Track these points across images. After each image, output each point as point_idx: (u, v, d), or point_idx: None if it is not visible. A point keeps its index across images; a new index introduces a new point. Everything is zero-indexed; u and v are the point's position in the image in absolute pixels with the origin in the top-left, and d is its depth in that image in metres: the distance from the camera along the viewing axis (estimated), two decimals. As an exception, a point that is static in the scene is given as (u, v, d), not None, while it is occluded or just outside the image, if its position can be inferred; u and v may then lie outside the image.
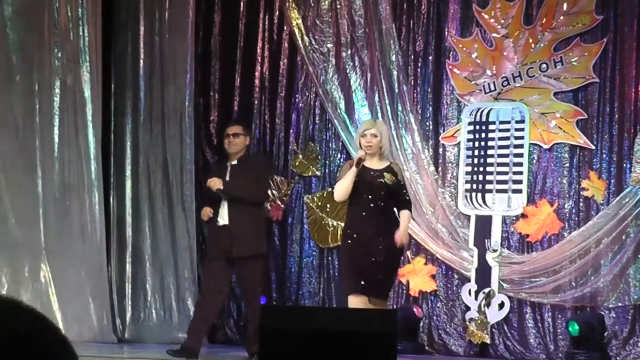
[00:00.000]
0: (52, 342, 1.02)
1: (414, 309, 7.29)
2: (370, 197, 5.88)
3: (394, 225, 5.86)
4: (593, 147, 7.08)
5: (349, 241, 5.92)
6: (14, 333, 0.98)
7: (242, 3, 8.32)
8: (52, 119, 7.45)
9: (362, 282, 5.78)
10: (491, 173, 7.35)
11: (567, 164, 7.16)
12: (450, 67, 7.54)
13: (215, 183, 6.55)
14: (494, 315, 7.18)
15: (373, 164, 5.97)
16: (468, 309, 7.27)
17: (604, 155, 7.07)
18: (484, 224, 7.31)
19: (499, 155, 7.34)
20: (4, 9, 7.23)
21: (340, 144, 7.84)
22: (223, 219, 6.60)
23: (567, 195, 7.14)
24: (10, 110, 7.23)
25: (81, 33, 7.65)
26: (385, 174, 5.92)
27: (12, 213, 7.15)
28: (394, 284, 6.07)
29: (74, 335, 7.32)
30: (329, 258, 7.83)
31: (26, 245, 7.21)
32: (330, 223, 7.81)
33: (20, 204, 7.21)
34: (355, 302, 5.82)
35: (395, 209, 5.95)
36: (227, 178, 6.62)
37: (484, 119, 7.40)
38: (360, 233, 5.86)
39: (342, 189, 5.95)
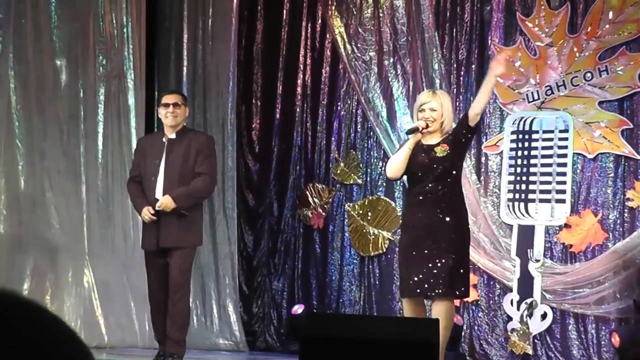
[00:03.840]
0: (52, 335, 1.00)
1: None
2: (423, 179, 5.26)
3: (456, 213, 5.28)
4: (638, 157, 6.99)
5: (401, 234, 5.47)
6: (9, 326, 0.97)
7: (284, 11, 8.34)
8: (96, 126, 7.52)
9: (411, 282, 5.20)
10: (534, 182, 7.29)
11: (612, 174, 7.08)
12: (493, 75, 7.49)
13: (164, 205, 5.87)
14: (536, 325, 7.11)
15: (431, 140, 5.38)
16: (510, 319, 7.21)
17: (650, 166, 6.99)
18: (526, 234, 7.25)
19: (542, 165, 7.28)
20: (50, 16, 7.32)
21: (382, 152, 7.82)
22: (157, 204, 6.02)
23: (611, 206, 7.06)
24: (55, 116, 7.32)
25: (125, 41, 7.73)
26: (436, 148, 5.29)
27: (57, 218, 7.23)
28: (461, 278, 5.30)
29: (117, 341, 7.39)
30: (370, 266, 7.81)
31: (70, 251, 7.28)
32: (372, 231, 7.80)
33: (64, 209, 7.29)
34: (406, 306, 5.36)
35: (459, 191, 5.35)
36: (164, 156, 6.06)
37: (527, 128, 7.35)
38: (410, 224, 5.31)
39: (394, 162, 5.37)
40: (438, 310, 5.26)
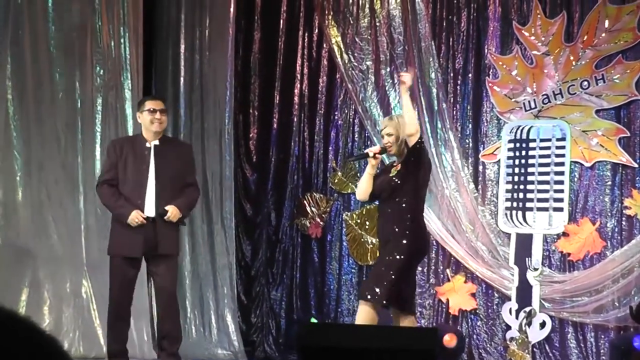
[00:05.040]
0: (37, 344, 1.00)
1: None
2: (382, 197, 5.71)
3: (413, 226, 5.58)
4: (636, 165, 7.00)
5: None
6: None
7: (281, 21, 8.36)
8: (93, 136, 7.52)
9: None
10: (532, 191, 7.29)
11: (609, 182, 7.09)
12: (490, 84, 7.51)
13: (174, 216, 5.92)
14: (535, 334, 7.11)
15: (395, 161, 5.85)
16: (509, 328, 7.21)
17: (647, 174, 6.99)
18: (524, 243, 7.25)
19: (540, 173, 7.29)
20: (47, 27, 7.33)
21: (380, 161, 7.82)
22: (149, 210, 5.95)
23: (609, 214, 7.07)
24: (53, 127, 7.32)
25: (123, 51, 7.73)
26: (392, 169, 5.73)
27: (55, 229, 7.22)
28: (376, 282, 5.58)
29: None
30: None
31: (68, 261, 7.27)
32: (369, 240, 7.80)
33: (62, 220, 7.28)
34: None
35: (414, 207, 5.61)
36: (152, 161, 6.00)
37: (524, 136, 7.36)
38: (380, 239, 5.80)
39: (359, 186, 5.89)
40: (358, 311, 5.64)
